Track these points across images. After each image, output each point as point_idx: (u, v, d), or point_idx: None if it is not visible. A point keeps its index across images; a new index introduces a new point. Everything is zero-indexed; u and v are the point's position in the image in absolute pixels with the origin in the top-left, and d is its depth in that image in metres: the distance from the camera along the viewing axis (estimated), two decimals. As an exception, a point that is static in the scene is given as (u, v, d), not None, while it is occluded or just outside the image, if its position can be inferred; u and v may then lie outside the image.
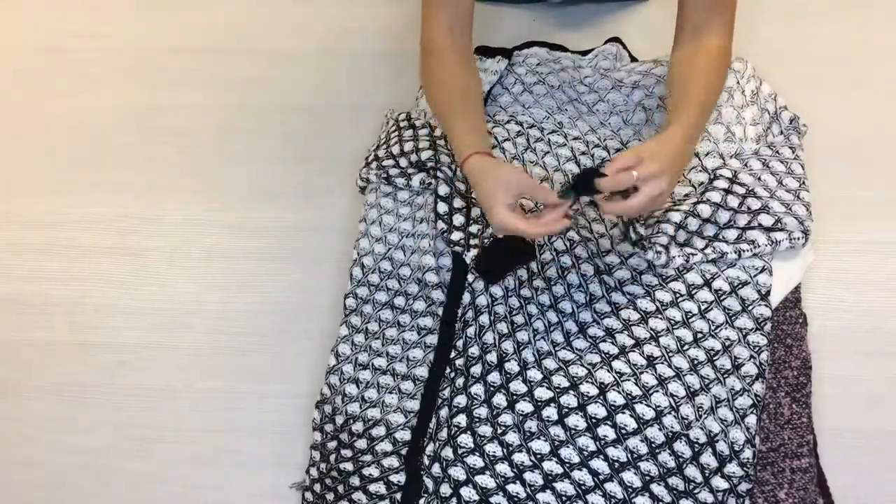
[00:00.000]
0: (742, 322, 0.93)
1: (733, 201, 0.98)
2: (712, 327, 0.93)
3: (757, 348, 0.92)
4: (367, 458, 0.97)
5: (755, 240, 0.96)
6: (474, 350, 0.96)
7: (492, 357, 0.95)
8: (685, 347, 0.92)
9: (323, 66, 1.32)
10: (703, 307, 0.94)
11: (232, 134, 1.28)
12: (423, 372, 1.00)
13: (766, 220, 0.97)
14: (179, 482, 1.10)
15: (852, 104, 1.18)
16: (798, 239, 0.96)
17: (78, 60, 1.37)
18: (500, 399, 0.92)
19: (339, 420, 1.00)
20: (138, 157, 1.29)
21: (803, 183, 1.02)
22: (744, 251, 0.95)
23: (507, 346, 0.95)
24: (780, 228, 0.96)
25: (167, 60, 1.35)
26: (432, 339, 1.01)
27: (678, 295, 0.95)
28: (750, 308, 0.94)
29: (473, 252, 0.99)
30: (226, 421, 1.12)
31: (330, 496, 0.98)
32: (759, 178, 1.01)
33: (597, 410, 0.89)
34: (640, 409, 0.88)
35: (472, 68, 1.04)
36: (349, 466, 0.97)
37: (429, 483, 0.91)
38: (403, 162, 1.07)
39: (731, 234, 0.96)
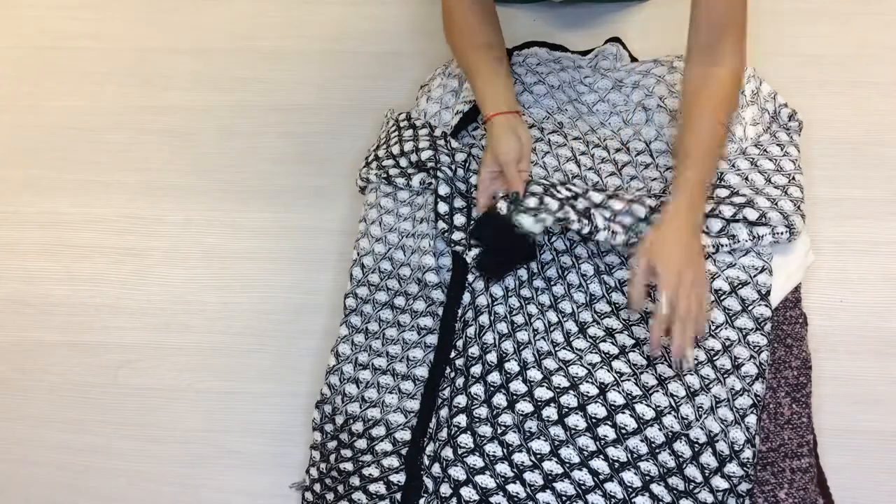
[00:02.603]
0: (742, 322, 0.93)
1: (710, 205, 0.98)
2: (712, 327, 0.93)
3: (757, 348, 0.92)
4: (367, 458, 0.97)
5: (735, 234, 0.95)
6: (474, 350, 0.96)
7: (492, 357, 0.95)
8: None
9: (323, 66, 1.32)
10: None
11: (232, 134, 1.28)
12: (423, 372, 1.00)
13: (751, 214, 0.96)
14: (179, 482, 1.10)
15: (852, 104, 1.18)
16: (782, 234, 0.95)
17: (78, 60, 1.37)
18: (500, 399, 0.92)
19: (339, 420, 1.01)
20: (138, 157, 1.29)
21: (793, 178, 1.01)
22: (723, 245, 0.95)
23: (507, 345, 0.95)
24: (764, 223, 0.95)
25: (167, 60, 1.35)
26: (432, 339, 1.01)
27: None
28: (750, 308, 0.94)
29: (475, 251, 1.00)
30: (226, 421, 1.12)
31: (330, 496, 0.98)
32: (747, 178, 1.01)
33: (597, 410, 0.89)
34: (640, 408, 0.88)
35: (492, 24, 1.05)
36: (349, 466, 0.97)
37: (429, 483, 0.91)
38: (403, 162, 1.07)
39: (716, 224, 0.96)
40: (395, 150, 1.08)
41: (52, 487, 1.12)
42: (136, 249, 1.23)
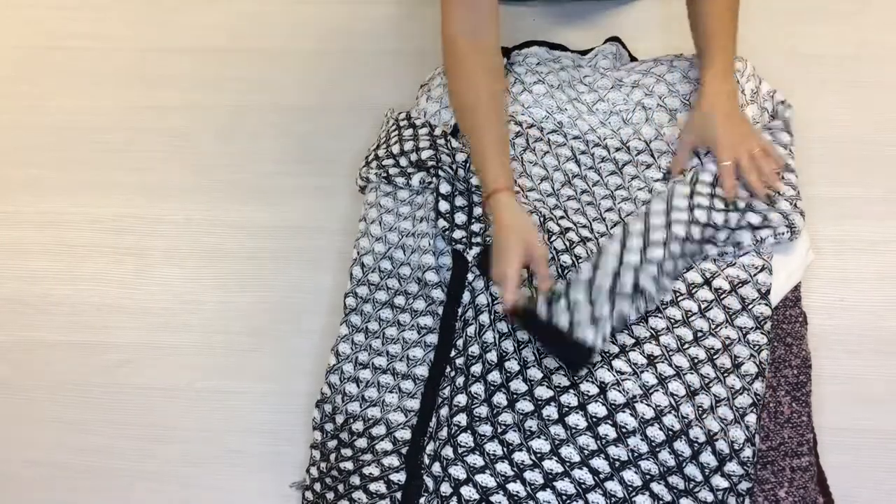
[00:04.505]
0: (742, 321, 0.93)
1: (718, 217, 0.97)
2: (712, 326, 0.93)
3: (757, 347, 0.92)
4: (368, 457, 0.97)
5: (740, 241, 0.96)
6: (474, 349, 0.96)
7: (492, 356, 0.95)
8: (685, 346, 0.92)
9: (323, 66, 1.32)
10: (702, 306, 0.94)
11: (232, 134, 1.29)
12: (423, 371, 1.00)
13: (754, 218, 0.96)
14: (179, 482, 1.10)
15: (852, 104, 1.18)
16: (783, 234, 0.96)
17: (78, 60, 1.37)
18: (500, 398, 0.92)
19: (340, 419, 1.01)
20: (138, 157, 1.29)
21: (782, 177, 1.00)
22: (727, 253, 0.96)
23: (507, 344, 0.95)
24: (766, 226, 0.96)
25: (167, 60, 1.35)
26: (432, 339, 1.01)
27: (678, 294, 0.95)
28: (750, 307, 0.94)
29: (475, 250, 1.00)
30: (226, 421, 1.12)
31: (330, 495, 0.98)
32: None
33: (597, 409, 0.89)
34: (641, 408, 0.88)
35: (497, 70, 1.01)
36: (349, 465, 0.97)
37: (429, 482, 0.91)
38: (403, 161, 1.07)
39: (722, 234, 0.96)
40: (395, 149, 1.08)
41: (52, 487, 1.12)
42: (136, 249, 1.23)
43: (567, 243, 1.00)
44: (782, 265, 0.98)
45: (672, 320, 0.94)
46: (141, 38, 1.38)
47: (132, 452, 1.12)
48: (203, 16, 1.38)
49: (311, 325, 1.15)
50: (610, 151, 1.08)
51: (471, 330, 0.97)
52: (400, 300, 1.04)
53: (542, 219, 1.01)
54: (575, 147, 1.09)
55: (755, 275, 0.95)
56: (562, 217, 1.03)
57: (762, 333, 0.93)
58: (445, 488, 0.89)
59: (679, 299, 0.95)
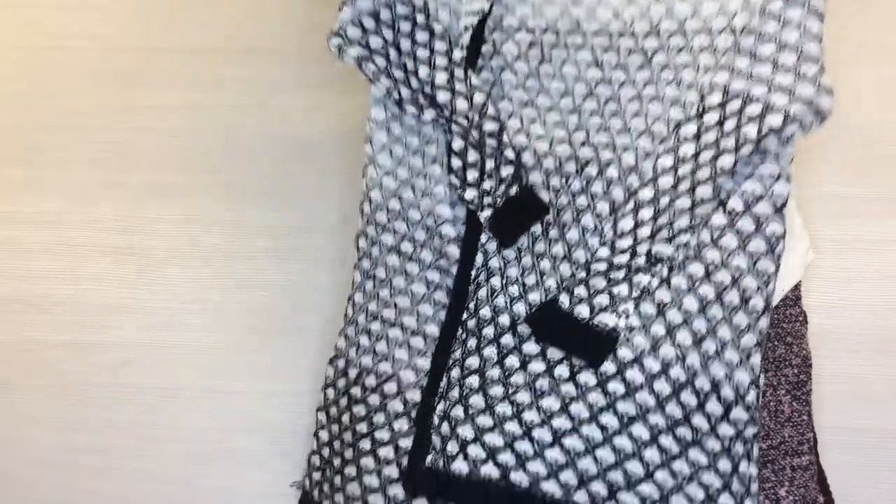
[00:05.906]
0: (754, 245, 0.89)
1: (731, 123, 0.90)
2: (724, 256, 0.90)
3: (765, 278, 0.89)
4: (380, 417, 0.96)
5: (767, 149, 0.89)
6: (486, 312, 0.95)
7: (504, 319, 0.94)
8: (696, 285, 0.90)
9: (323, 66, 1.32)
10: (715, 235, 0.90)
11: (232, 134, 1.29)
12: (433, 329, 0.97)
13: (775, 120, 0.88)
14: (179, 482, 1.10)
15: (852, 104, 1.18)
16: (810, 123, 0.88)
17: (78, 60, 1.37)
18: (512, 360, 0.92)
19: (353, 373, 0.99)
20: (139, 157, 1.29)
21: (801, 53, 0.92)
22: (753, 164, 0.90)
23: (520, 308, 0.94)
24: (791, 121, 0.88)
25: (167, 60, 1.35)
26: (440, 296, 0.98)
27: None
28: (763, 226, 0.89)
29: (487, 212, 0.97)
30: (225, 420, 1.12)
31: (337, 461, 0.97)
32: (751, 76, 0.91)
33: (607, 367, 0.89)
34: (648, 362, 0.88)
35: None
36: (363, 427, 0.96)
37: (436, 440, 0.91)
38: (415, 82, 0.99)
39: (747, 149, 0.89)
40: (410, 64, 0.99)
41: (52, 487, 1.12)
42: (137, 249, 1.23)
43: (583, 183, 0.95)
44: (782, 262, 0.97)
45: (686, 256, 0.91)
46: (141, 38, 1.38)
47: (132, 452, 1.12)
48: (203, 16, 1.38)
49: (310, 325, 1.15)
50: (638, 40, 0.98)
51: (482, 293, 0.96)
52: (407, 247, 0.99)
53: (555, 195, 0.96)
54: (596, 45, 0.99)
55: (771, 186, 0.89)
56: (583, 143, 0.97)
57: (771, 260, 0.89)
58: (452, 447, 0.89)
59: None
